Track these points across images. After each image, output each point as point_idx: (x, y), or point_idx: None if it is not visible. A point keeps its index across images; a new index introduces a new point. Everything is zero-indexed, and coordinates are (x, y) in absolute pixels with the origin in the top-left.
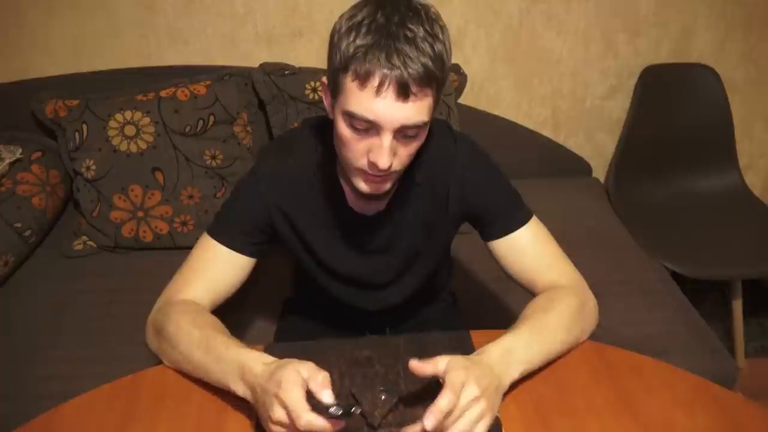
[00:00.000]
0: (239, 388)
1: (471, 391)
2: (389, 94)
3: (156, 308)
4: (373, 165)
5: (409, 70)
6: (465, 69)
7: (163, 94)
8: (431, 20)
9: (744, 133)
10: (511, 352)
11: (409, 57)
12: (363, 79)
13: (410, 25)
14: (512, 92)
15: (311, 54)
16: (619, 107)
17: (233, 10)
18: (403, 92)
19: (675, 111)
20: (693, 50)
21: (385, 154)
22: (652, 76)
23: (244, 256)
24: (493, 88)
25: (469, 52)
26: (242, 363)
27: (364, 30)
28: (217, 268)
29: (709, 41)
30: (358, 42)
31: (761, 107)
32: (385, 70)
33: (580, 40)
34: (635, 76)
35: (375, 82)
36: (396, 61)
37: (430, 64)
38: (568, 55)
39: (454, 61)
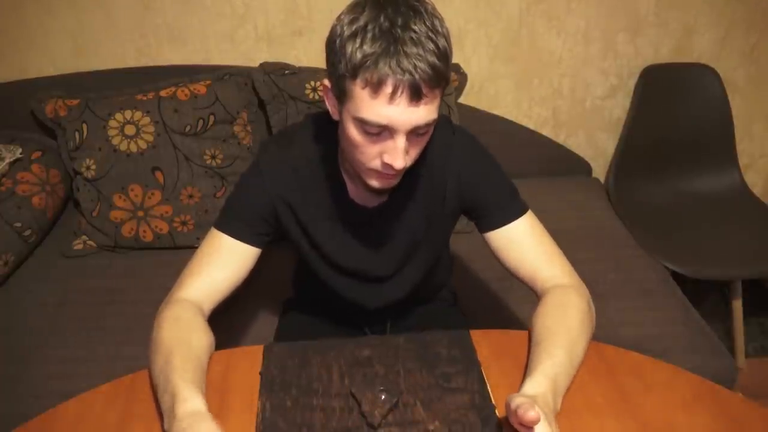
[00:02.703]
0: (165, 423)
1: None
2: (403, 100)
3: (162, 304)
4: (387, 166)
5: (420, 72)
6: (465, 69)
7: (163, 93)
8: (431, 15)
9: (744, 133)
10: (557, 381)
11: (418, 59)
12: (375, 87)
13: (413, 26)
14: (512, 92)
15: (311, 54)
16: (619, 107)
17: (233, 9)
18: (416, 96)
19: (675, 111)
20: (693, 50)
21: (401, 156)
22: (652, 76)
23: (248, 245)
24: (493, 88)
25: (469, 52)
26: (173, 399)
27: (369, 36)
28: (221, 259)
29: (710, 41)
30: (366, 49)
31: (761, 107)
32: (398, 76)
33: (580, 40)
34: (635, 76)
35: (388, 89)
36: (407, 66)
37: (437, 62)
38: (568, 55)
39: (454, 60)
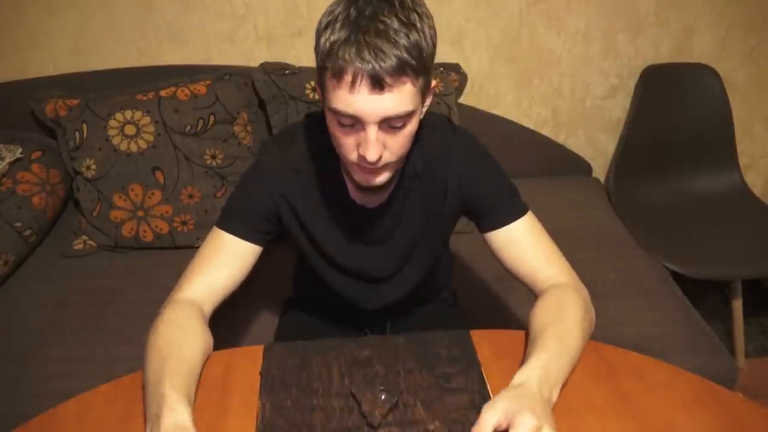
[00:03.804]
0: (148, 426)
1: (529, 421)
2: (363, 88)
3: (164, 304)
4: (362, 158)
5: (381, 64)
6: (465, 69)
7: (163, 93)
8: (407, 9)
9: (744, 133)
10: (548, 370)
11: (381, 50)
12: (338, 76)
13: (382, 17)
14: (512, 92)
15: (311, 54)
16: (619, 107)
17: (233, 9)
18: (378, 85)
19: (675, 111)
20: (693, 50)
21: (372, 148)
22: (652, 76)
23: (250, 243)
24: (493, 88)
25: (469, 52)
26: (159, 405)
27: (338, 26)
28: (222, 257)
29: (710, 41)
30: (332, 38)
31: (761, 107)
32: (357, 64)
33: (580, 40)
34: (635, 76)
35: (348, 78)
36: (366, 55)
37: (403, 54)
38: (568, 55)
39: (454, 60)
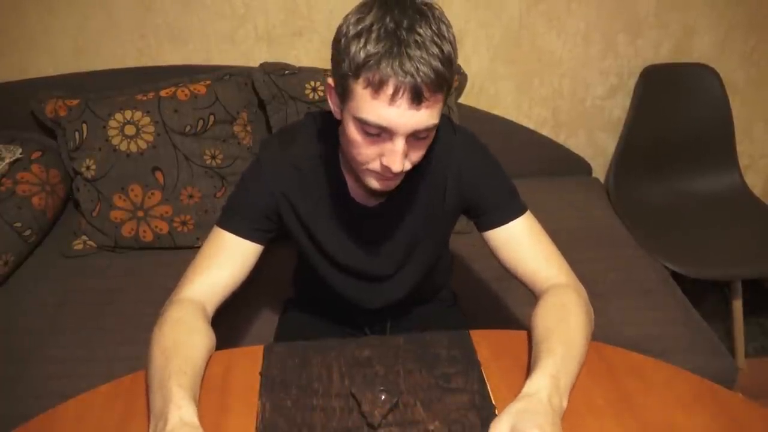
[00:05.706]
0: (152, 423)
1: None
2: (403, 102)
3: (166, 303)
4: (386, 168)
5: (422, 75)
6: (465, 69)
7: (163, 93)
8: (438, 20)
9: (744, 133)
10: (557, 377)
11: (421, 62)
12: (376, 88)
13: (419, 29)
14: (512, 92)
15: (311, 54)
16: (619, 107)
17: (233, 9)
18: (417, 99)
19: (675, 111)
20: (693, 50)
21: (399, 159)
22: (652, 77)
23: (250, 242)
24: (493, 88)
25: (469, 52)
26: (165, 402)
27: (374, 36)
28: (224, 256)
29: (710, 41)
30: (370, 49)
31: (761, 108)
32: (400, 78)
33: (580, 40)
34: (635, 76)
35: (389, 90)
36: (409, 68)
37: (440, 67)
38: (568, 56)
39: None
